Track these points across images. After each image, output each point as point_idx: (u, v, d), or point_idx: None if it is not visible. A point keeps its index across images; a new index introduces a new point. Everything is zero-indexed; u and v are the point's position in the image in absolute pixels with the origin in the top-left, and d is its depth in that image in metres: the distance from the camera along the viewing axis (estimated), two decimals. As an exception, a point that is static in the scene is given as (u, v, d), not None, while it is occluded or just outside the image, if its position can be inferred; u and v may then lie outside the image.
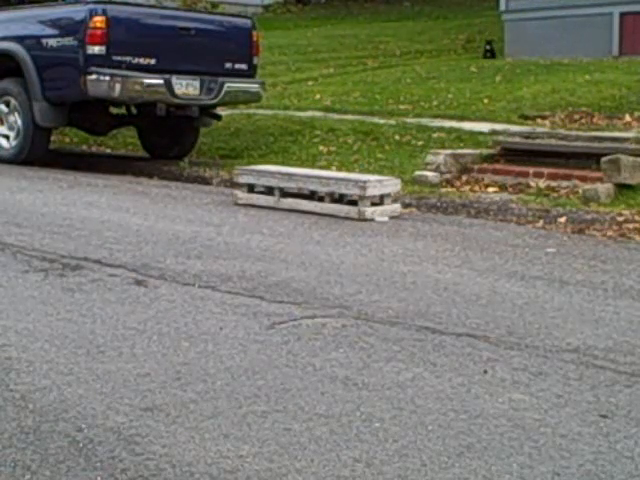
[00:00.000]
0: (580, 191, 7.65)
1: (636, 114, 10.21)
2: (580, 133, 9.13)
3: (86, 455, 2.65)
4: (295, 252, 5.64)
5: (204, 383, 3.25)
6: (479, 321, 4.20)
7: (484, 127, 9.96)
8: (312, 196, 7.45)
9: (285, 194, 7.56)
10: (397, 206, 7.40)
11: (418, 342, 3.84)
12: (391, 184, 7.42)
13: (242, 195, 7.76)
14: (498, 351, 3.76)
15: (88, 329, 3.85)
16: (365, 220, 7.05)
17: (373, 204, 7.25)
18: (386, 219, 7.16)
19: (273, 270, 5.07)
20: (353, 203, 7.21)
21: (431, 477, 2.59)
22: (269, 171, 7.79)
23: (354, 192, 7.20)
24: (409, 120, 10.72)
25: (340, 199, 7.32)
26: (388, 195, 7.32)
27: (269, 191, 7.62)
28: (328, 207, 7.31)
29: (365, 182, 7.17)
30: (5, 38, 9.73)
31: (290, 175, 7.60)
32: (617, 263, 5.76)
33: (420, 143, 9.75)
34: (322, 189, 7.37)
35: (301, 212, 7.30)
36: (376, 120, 10.81)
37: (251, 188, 7.75)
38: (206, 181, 9.20)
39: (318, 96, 12.76)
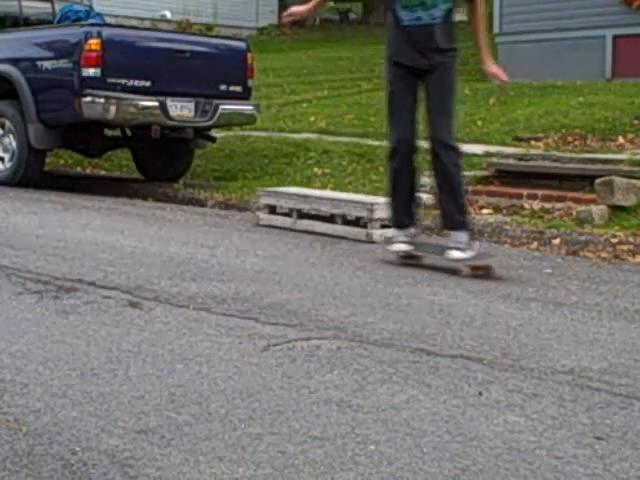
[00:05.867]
0: (574, 213, 7.66)
1: (629, 136, 10.24)
2: (574, 155, 9.15)
3: (80, 478, 2.64)
4: (289, 273, 5.64)
5: (198, 405, 3.24)
6: (474, 343, 4.20)
7: (478, 149, 9.97)
8: (330, 218, 7.45)
9: (302, 215, 7.59)
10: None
11: (413, 364, 3.83)
12: None
13: (263, 216, 7.83)
14: (493, 373, 3.76)
15: (82, 351, 3.84)
16: (373, 242, 7.05)
17: (384, 226, 7.23)
18: None
19: (268, 292, 5.07)
20: (365, 225, 7.20)
21: (426, 500, 2.59)
22: (287, 192, 7.85)
23: (363, 214, 7.19)
24: (403, 142, 10.70)
25: (357, 221, 7.29)
26: None
27: (289, 212, 7.66)
28: (340, 229, 7.32)
29: (372, 204, 7.16)
30: (0, 60, 9.75)
31: (305, 197, 7.64)
32: (611, 285, 5.77)
33: (414, 165, 9.74)
34: (333, 211, 7.38)
35: (316, 234, 7.31)
36: (370, 142, 10.82)
37: (272, 209, 7.80)
38: (201, 203, 9.21)
39: (312, 118, 12.78)
